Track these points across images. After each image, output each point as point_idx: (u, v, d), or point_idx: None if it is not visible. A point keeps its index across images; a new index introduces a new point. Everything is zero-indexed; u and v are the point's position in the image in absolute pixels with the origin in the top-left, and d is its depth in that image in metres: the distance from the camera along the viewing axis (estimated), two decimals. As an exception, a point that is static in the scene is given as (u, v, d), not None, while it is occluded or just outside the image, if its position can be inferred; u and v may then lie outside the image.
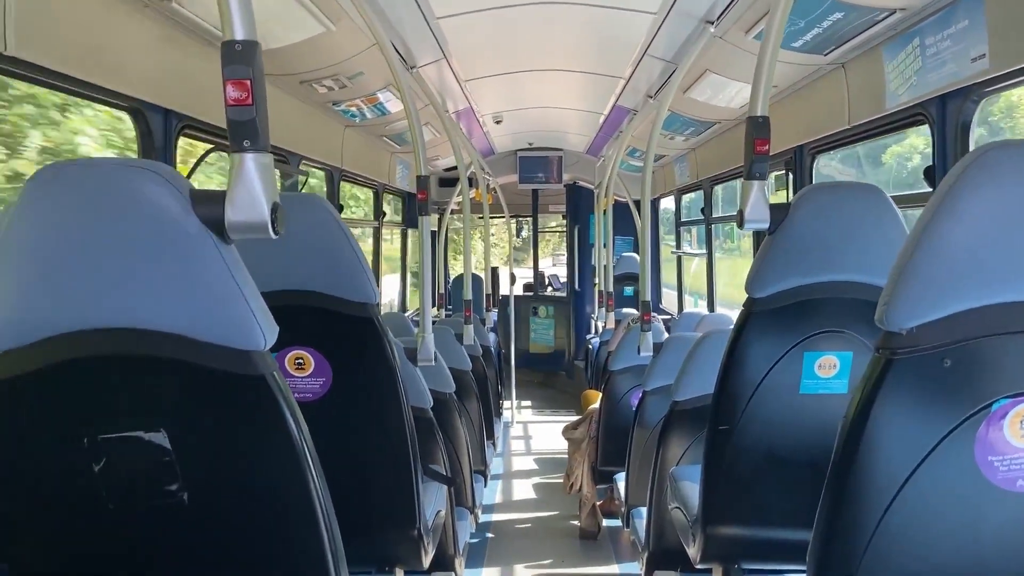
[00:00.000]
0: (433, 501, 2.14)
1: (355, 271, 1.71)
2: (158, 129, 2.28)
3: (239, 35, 0.96)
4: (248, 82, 0.95)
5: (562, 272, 9.85)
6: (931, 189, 2.32)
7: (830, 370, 1.68)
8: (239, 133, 0.97)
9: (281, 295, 1.69)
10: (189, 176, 2.42)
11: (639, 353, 3.15)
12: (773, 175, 3.93)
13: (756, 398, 1.71)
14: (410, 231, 6.41)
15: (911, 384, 1.00)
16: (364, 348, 1.76)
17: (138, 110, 2.22)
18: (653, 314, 3.26)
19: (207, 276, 0.98)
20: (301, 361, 1.73)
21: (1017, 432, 1.00)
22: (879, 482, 1.02)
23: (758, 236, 3.74)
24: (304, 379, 1.74)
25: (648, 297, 3.20)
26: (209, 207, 0.97)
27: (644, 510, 2.79)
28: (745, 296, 1.74)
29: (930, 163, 2.33)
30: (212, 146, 2.64)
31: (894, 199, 1.68)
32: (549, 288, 9.40)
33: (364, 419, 1.80)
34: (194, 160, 2.61)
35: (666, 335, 3.62)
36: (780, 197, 3.84)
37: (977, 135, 2.23)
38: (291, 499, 1.05)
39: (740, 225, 1.66)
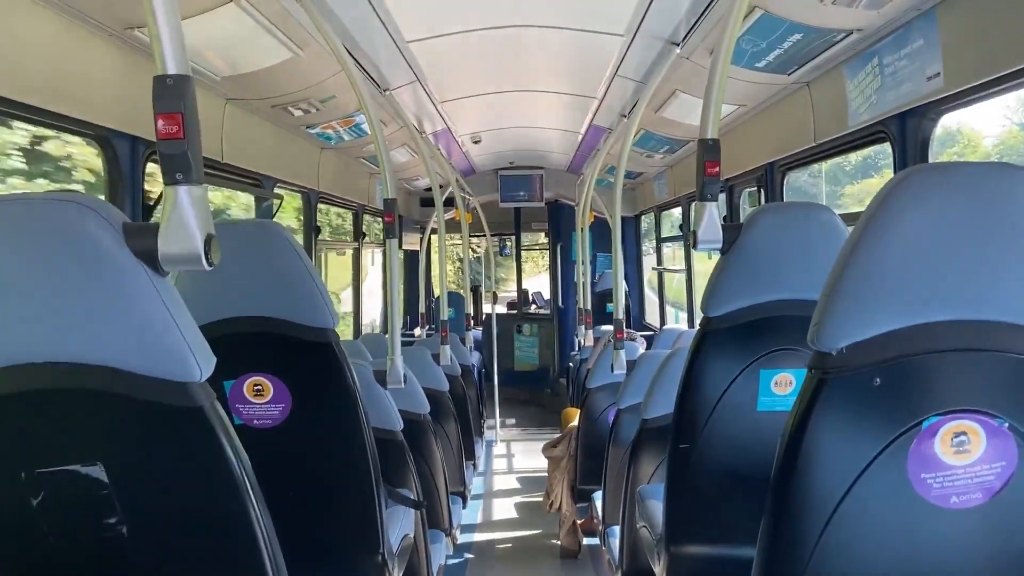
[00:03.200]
0: (400, 525, 2.13)
1: (312, 296, 1.71)
2: (125, 156, 2.28)
3: (171, 69, 0.97)
4: (179, 116, 0.96)
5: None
6: None
7: (786, 387, 1.70)
8: (172, 166, 0.97)
9: (238, 322, 1.69)
10: (156, 203, 2.42)
11: (612, 371, 3.16)
12: (747, 191, 3.98)
13: (715, 416, 1.72)
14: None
15: (843, 403, 1.01)
16: (323, 373, 1.75)
17: (104, 138, 2.22)
18: (630, 331, 3.27)
19: (140, 309, 0.98)
20: (260, 387, 1.73)
21: (949, 450, 1.01)
22: (817, 499, 1.03)
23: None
24: (263, 405, 1.73)
25: (621, 315, 3.21)
26: (142, 240, 0.98)
27: (618, 529, 2.79)
28: None
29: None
30: None
31: (850, 216, 1.70)
32: (533, 306, 9.40)
33: (325, 444, 1.79)
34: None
35: (641, 351, 3.63)
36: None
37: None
38: (231, 529, 1.05)
39: (694, 246, 1.68)
